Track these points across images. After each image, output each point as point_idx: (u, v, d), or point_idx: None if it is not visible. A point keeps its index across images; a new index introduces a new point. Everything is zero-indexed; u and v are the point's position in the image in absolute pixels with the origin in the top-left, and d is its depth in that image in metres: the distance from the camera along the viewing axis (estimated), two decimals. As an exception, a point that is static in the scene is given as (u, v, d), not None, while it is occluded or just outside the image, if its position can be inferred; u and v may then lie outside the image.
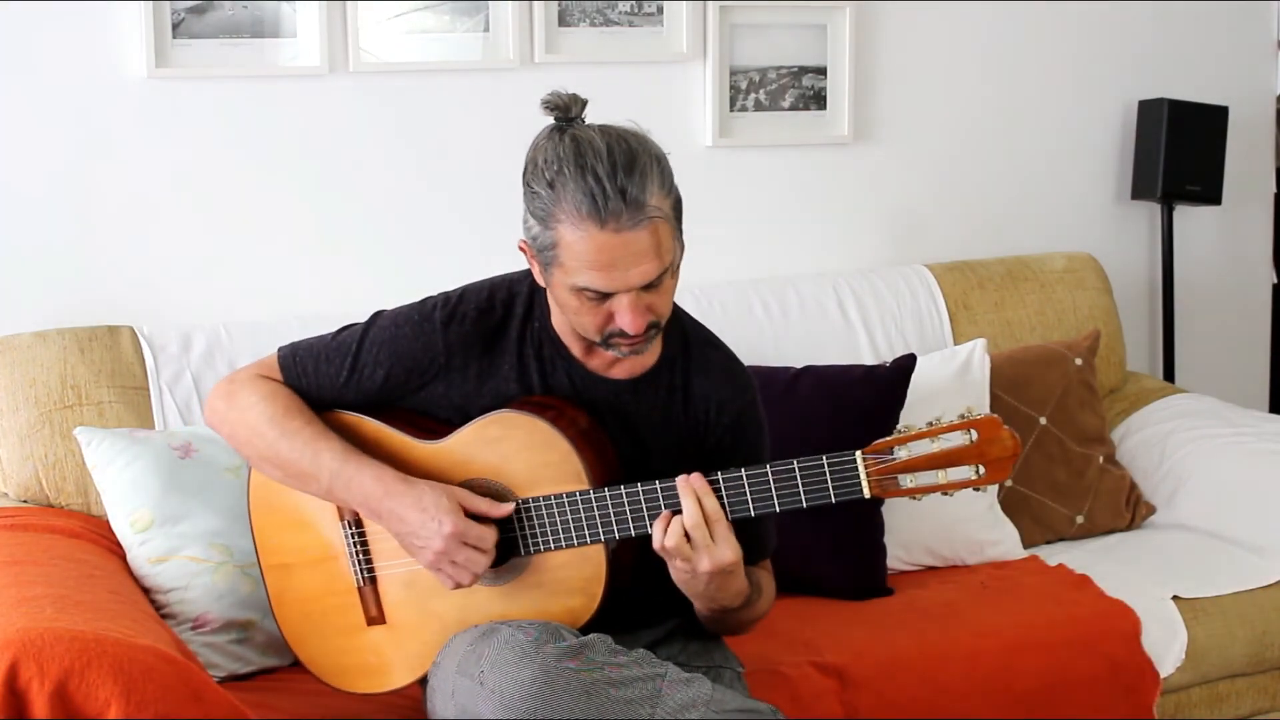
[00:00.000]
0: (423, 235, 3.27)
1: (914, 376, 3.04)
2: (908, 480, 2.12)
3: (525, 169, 2.15)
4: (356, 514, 2.32)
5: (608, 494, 2.19)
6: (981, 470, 2.11)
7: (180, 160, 3.09)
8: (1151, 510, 3.33)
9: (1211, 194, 3.81)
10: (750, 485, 2.16)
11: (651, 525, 2.17)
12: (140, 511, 2.64)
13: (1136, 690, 2.80)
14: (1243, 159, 3.97)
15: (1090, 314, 3.61)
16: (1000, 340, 3.49)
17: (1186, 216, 3.94)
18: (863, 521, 2.98)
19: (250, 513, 2.40)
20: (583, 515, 2.20)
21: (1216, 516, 3.21)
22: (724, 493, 2.16)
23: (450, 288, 2.35)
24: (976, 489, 2.13)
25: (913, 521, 3.06)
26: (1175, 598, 2.92)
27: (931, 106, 3.68)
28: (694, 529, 2.13)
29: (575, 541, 2.21)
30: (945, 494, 2.12)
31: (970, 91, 3.72)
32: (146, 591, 2.59)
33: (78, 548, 2.57)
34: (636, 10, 3.37)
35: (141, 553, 2.62)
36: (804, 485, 2.15)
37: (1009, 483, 3.23)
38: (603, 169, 2.07)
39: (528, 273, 2.29)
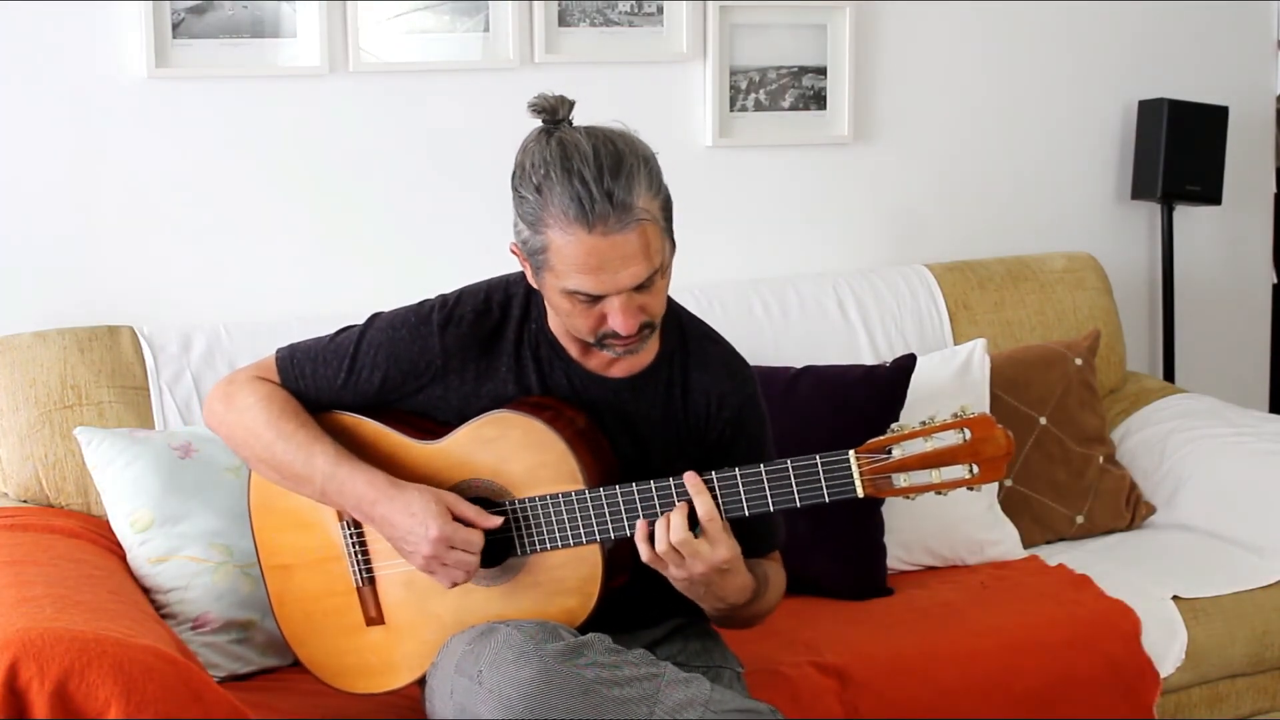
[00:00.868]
0: (422, 235, 3.27)
1: (914, 376, 3.04)
2: (901, 479, 2.11)
3: (513, 173, 2.15)
4: (355, 515, 2.32)
5: (603, 494, 2.19)
6: (975, 469, 2.11)
7: (180, 160, 3.09)
8: (1151, 510, 3.33)
9: (1211, 194, 3.81)
10: (744, 485, 2.16)
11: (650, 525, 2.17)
12: (140, 511, 2.64)
13: (1136, 690, 2.80)
14: (1243, 159, 3.97)
15: (1090, 314, 3.61)
16: (1000, 340, 3.49)
17: (1186, 216, 3.94)
18: (863, 521, 2.98)
19: (250, 514, 2.40)
20: (579, 515, 2.20)
21: (1216, 516, 3.21)
22: (718, 492, 2.16)
23: (450, 288, 2.35)
24: (970, 488, 2.13)
25: (913, 521, 3.06)
26: (1175, 598, 2.92)
27: (931, 106, 3.68)
28: (681, 544, 2.13)
29: (571, 542, 2.21)
30: (939, 493, 2.12)
31: (970, 91, 3.72)
32: (146, 591, 2.59)
33: (78, 548, 2.57)
34: (636, 10, 3.37)
35: (141, 553, 2.62)
36: (798, 484, 2.15)
37: (1009, 482, 3.23)
38: (589, 172, 2.07)
39: (524, 274, 2.29)
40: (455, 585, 2.23)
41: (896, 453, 2.11)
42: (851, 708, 2.60)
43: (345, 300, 3.06)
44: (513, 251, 2.22)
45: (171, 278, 3.10)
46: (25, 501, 2.80)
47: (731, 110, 3.47)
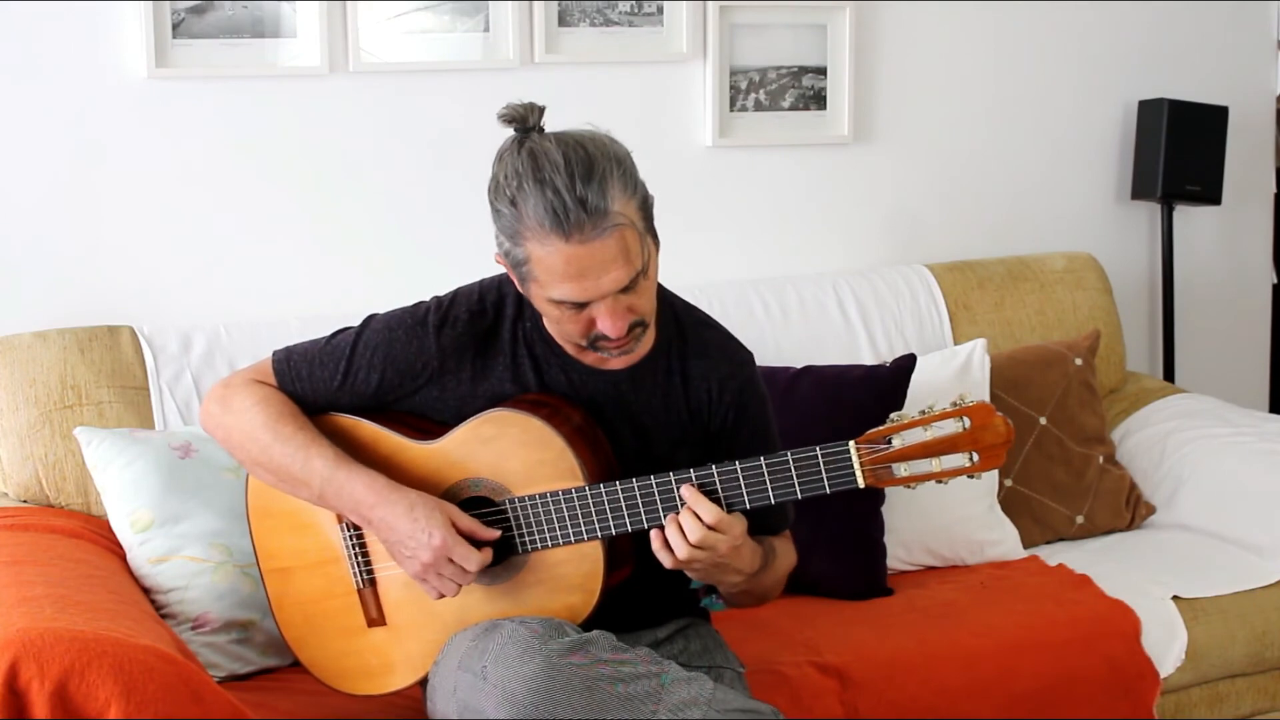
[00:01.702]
0: (422, 235, 3.27)
1: (914, 376, 3.04)
2: (902, 469, 2.12)
3: (489, 187, 2.16)
4: (354, 516, 2.32)
5: (603, 491, 2.19)
6: (975, 457, 2.11)
7: (180, 160, 3.09)
8: (1151, 510, 3.33)
9: (1211, 194, 3.81)
10: (745, 478, 2.16)
11: (648, 522, 2.18)
12: (140, 511, 2.64)
13: (1136, 690, 2.80)
14: (1243, 159, 3.97)
15: (1090, 314, 3.61)
16: (1000, 340, 3.49)
17: (1186, 216, 3.94)
18: (863, 521, 2.98)
19: (249, 517, 2.40)
20: (579, 512, 2.20)
21: (1216, 516, 3.21)
22: (719, 486, 2.16)
23: (449, 288, 2.35)
24: (971, 476, 2.12)
25: (913, 521, 3.06)
26: (1175, 598, 2.92)
27: (931, 106, 3.68)
28: (718, 523, 2.14)
29: (572, 538, 2.21)
30: (940, 482, 2.12)
31: (970, 91, 3.72)
32: (146, 591, 2.59)
33: (78, 548, 2.57)
34: (636, 10, 3.37)
35: (141, 553, 2.62)
36: (799, 476, 2.15)
37: (1009, 482, 3.23)
38: (560, 180, 2.06)
39: (515, 273, 2.29)
40: (442, 598, 2.22)
41: (896, 442, 2.11)
42: (851, 708, 2.60)
43: (345, 300, 3.06)
44: (498, 261, 2.22)
45: (171, 278, 3.10)
46: (25, 501, 2.81)
47: (731, 110, 3.47)
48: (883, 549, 3.01)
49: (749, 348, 2.40)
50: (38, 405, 2.82)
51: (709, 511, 2.14)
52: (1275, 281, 4.18)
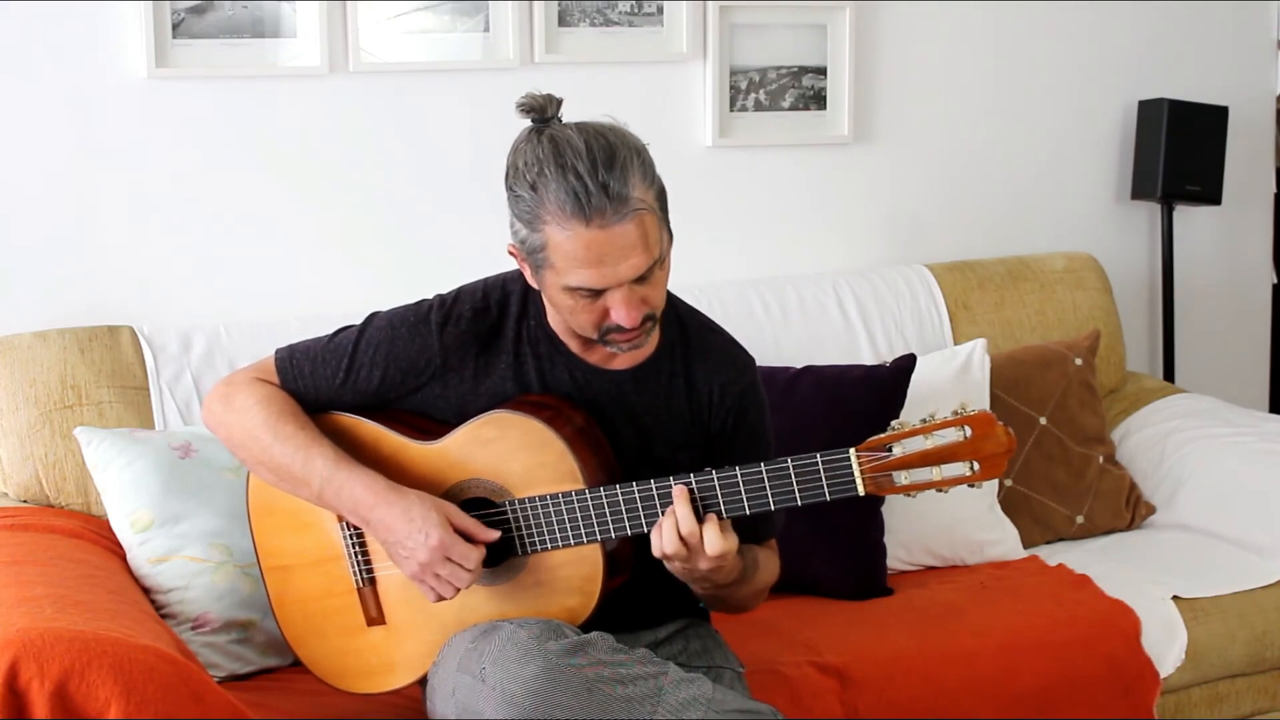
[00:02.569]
0: (422, 235, 3.27)
1: (914, 376, 3.04)
2: (902, 477, 2.11)
3: (507, 173, 2.15)
4: (354, 515, 2.32)
5: (603, 494, 2.19)
6: (976, 467, 2.10)
7: (180, 160, 3.09)
8: (1151, 510, 3.33)
9: (1211, 194, 3.81)
10: (745, 484, 2.16)
11: (647, 525, 2.18)
12: (140, 511, 2.64)
13: (1136, 690, 2.80)
14: (1243, 159, 3.97)
15: (1090, 314, 3.61)
16: (1000, 340, 3.49)
17: (1186, 216, 3.94)
18: (862, 521, 2.98)
19: (250, 516, 2.40)
20: (579, 515, 2.20)
21: (1216, 516, 3.21)
22: (719, 492, 2.16)
23: (450, 288, 2.35)
24: (971, 485, 2.12)
25: (912, 521, 3.06)
26: (1175, 598, 2.92)
27: (931, 106, 3.68)
28: (689, 536, 2.14)
29: (572, 541, 2.21)
30: (940, 490, 2.12)
31: (970, 91, 3.72)
32: (146, 591, 2.59)
33: (78, 548, 2.57)
34: (636, 10, 3.37)
35: (141, 553, 2.62)
36: (799, 483, 2.14)
37: (1009, 482, 3.23)
38: (583, 166, 2.07)
39: (520, 271, 2.29)
40: (441, 600, 2.22)
41: (897, 450, 2.11)
42: (851, 708, 2.60)
43: (345, 300, 3.06)
44: (510, 253, 2.22)
45: (171, 278, 3.10)
46: (25, 501, 2.81)
47: (731, 110, 3.47)
48: (882, 549, 3.01)
49: (749, 349, 2.40)
50: (38, 405, 2.82)
51: (685, 523, 2.13)
52: (1275, 281, 4.18)
